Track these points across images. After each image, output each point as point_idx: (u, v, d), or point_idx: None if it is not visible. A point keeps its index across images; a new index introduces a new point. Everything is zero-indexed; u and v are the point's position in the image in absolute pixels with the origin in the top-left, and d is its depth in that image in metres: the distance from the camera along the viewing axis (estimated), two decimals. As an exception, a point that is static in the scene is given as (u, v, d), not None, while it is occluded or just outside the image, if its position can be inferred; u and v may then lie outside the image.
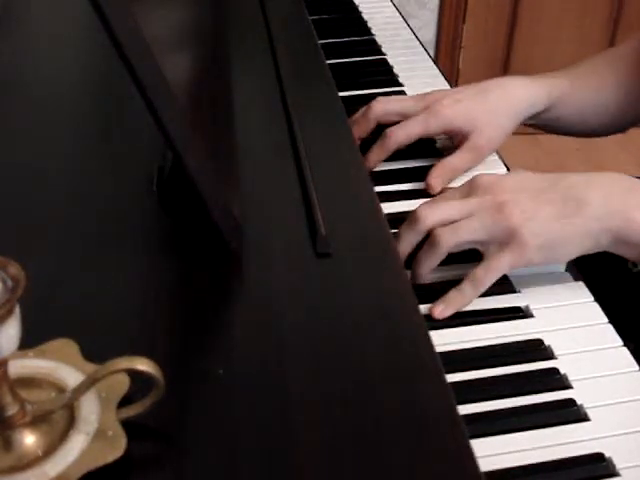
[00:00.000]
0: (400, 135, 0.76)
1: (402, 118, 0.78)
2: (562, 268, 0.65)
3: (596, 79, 0.85)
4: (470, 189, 0.64)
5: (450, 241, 0.61)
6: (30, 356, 0.44)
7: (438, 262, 0.62)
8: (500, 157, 0.81)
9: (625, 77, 0.85)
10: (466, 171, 0.77)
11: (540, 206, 0.60)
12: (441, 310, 0.60)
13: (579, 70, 0.85)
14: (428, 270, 0.63)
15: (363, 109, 0.81)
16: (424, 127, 0.76)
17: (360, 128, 0.80)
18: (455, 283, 0.63)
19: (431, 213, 0.62)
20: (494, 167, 0.79)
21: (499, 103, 0.77)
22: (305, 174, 0.64)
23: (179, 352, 0.48)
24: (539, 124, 0.84)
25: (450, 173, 0.75)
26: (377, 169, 0.78)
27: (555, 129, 0.87)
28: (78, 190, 0.63)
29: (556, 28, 2.36)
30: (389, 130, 0.76)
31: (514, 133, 0.80)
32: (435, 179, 0.74)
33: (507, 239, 0.59)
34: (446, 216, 0.62)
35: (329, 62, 0.87)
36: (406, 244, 0.64)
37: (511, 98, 0.78)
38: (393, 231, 0.61)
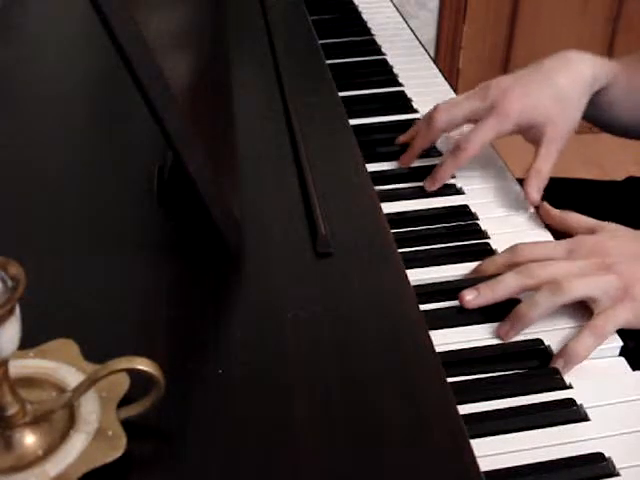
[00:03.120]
0: (476, 146, 0.73)
1: (468, 121, 0.76)
2: None
3: None
4: (573, 248, 0.63)
5: (579, 291, 0.59)
6: (30, 356, 0.44)
7: (553, 309, 0.59)
8: (499, 155, 0.81)
9: None
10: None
11: None
12: (563, 365, 0.57)
13: (631, 59, 0.82)
14: (541, 315, 0.59)
15: (425, 118, 0.78)
16: (497, 132, 0.73)
17: (425, 140, 0.77)
18: (455, 283, 0.64)
19: (542, 268, 0.60)
20: (491, 164, 0.79)
21: (567, 86, 0.75)
22: (305, 174, 0.64)
23: (179, 352, 0.49)
24: (593, 114, 0.81)
25: (544, 178, 0.73)
26: (377, 169, 0.78)
27: (606, 121, 0.84)
28: (78, 190, 0.63)
29: (556, 28, 2.36)
30: (463, 141, 0.73)
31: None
32: (536, 192, 0.72)
33: (620, 296, 0.59)
34: (562, 272, 0.60)
35: (329, 62, 0.88)
36: (509, 287, 0.60)
37: (577, 76, 0.76)
38: (393, 231, 0.61)
